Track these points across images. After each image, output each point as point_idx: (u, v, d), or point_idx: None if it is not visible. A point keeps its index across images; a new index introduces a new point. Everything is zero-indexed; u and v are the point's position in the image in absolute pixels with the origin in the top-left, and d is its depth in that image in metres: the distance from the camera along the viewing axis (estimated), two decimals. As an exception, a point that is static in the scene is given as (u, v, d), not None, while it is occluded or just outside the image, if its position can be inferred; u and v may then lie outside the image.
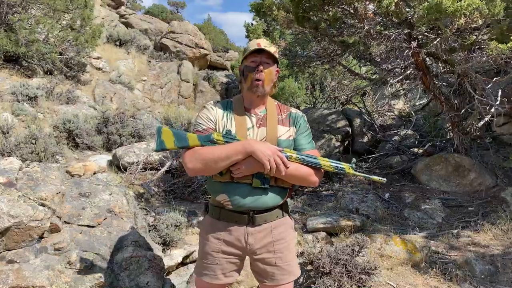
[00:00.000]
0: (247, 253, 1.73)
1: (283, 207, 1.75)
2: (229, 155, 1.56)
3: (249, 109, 1.73)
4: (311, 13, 4.32)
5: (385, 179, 1.73)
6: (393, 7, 3.55)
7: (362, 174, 1.72)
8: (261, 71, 1.65)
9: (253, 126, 1.70)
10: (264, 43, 1.67)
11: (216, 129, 1.69)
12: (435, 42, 3.79)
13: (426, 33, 3.95)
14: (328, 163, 1.64)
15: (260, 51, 1.66)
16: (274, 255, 1.71)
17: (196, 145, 1.63)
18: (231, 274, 1.75)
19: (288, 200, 1.80)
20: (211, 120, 1.70)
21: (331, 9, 4.15)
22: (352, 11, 3.90)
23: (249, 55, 1.67)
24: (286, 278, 1.74)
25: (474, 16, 3.12)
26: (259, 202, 1.64)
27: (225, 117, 1.71)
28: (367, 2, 3.81)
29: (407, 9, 3.94)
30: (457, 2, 3.13)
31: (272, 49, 1.67)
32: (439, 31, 3.61)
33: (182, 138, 1.66)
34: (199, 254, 1.81)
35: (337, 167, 1.64)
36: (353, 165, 1.63)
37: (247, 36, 11.02)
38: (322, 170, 1.69)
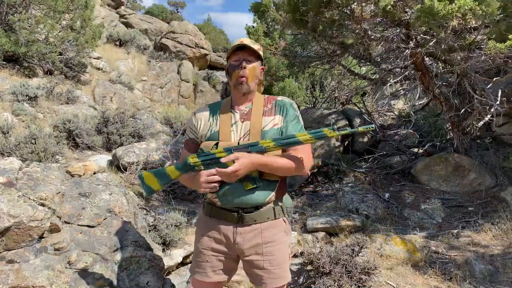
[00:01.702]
0: (235, 252, 1.72)
1: (275, 208, 1.71)
2: (191, 186, 1.80)
3: (234, 106, 1.76)
4: (308, 15, 4.32)
5: (373, 125, 1.61)
6: (391, 8, 3.55)
7: (345, 131, 1.56)
8: (244, 67, 1.66)
9: (236, 122, 1.71)
10: (247, 41, 1.70)
11: (198, 136, 1.76)
12: (431, 43, 3.79)
13: (423, 34, 3.95)
14: (307, 136, 1.55)
15: (242, 48, 1.68)
16: (263, 257, 1.68)
17: (177, 176, 1.74)
18: (220, 272, 1.73)
19: (284, 200, 1.77)
20: (192, 129, 1.79)
21: (328, 11, 4.14)
22: (349, 12, 3.89)
23: (232, 53, 1.70)
24: (276, 282, 1.68)
25: (467, 17, 3.12)
26: (247, 198, 1.63)
27: (211, 119, 1.75)
28: (364, 4, 3.81)
29: (406, 10, 3.94)
30: (449, 5, 3.13)
31: (256, 46, 1.69)
32: (434, 33, 3.62)
33: (163, 176, 1.77)
34: (193, 252, 1.83)
35: (317, 133, 1.54)
36: (334, 127, 1.52)
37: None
38: (311, 157, 1.71)
